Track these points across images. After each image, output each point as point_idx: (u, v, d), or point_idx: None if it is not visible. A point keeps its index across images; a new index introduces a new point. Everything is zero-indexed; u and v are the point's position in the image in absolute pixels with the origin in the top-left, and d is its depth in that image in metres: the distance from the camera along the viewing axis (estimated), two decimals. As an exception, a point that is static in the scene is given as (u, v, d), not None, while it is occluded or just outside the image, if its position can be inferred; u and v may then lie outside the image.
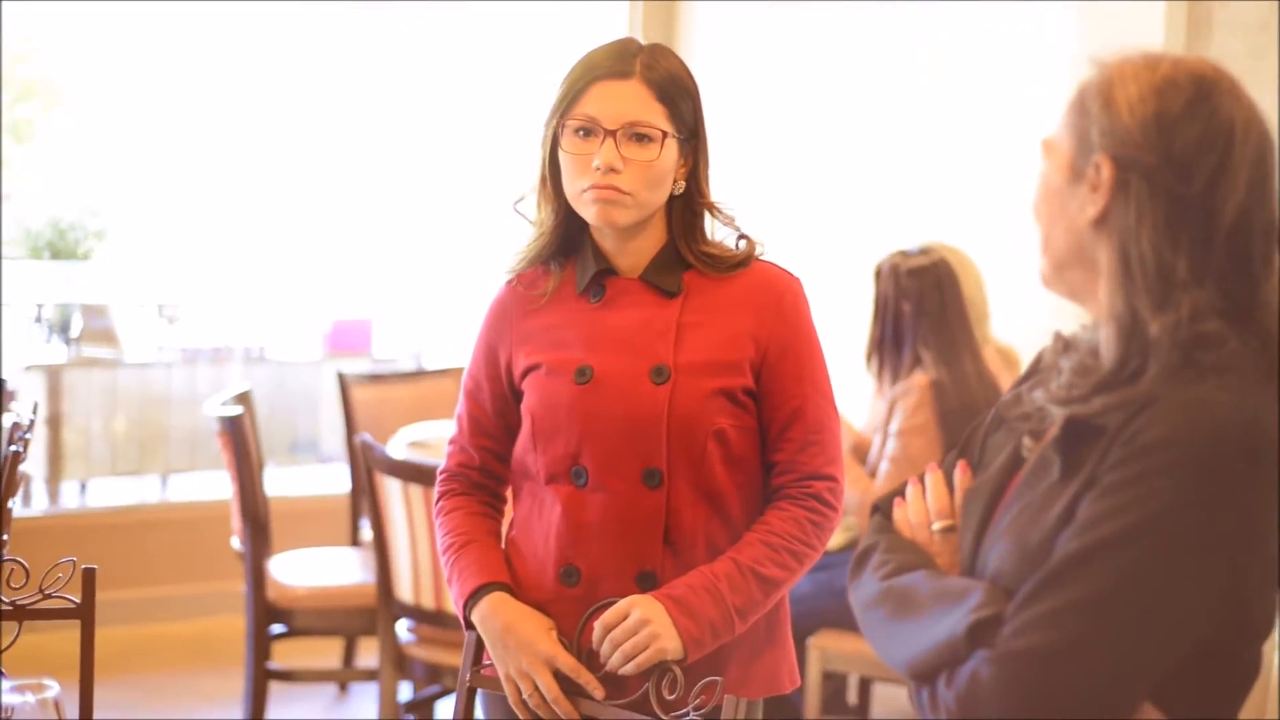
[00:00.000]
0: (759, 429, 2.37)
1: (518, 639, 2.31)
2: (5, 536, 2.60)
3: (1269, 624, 1.62)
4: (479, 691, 2.44)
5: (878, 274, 4.30)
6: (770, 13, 5.94)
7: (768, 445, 2.38)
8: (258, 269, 7.28)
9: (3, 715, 1.75)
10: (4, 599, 1.98)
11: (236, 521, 4.62)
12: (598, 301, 2.39)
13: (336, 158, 7.35)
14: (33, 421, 3.13)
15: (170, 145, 7.14)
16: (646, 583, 2.32)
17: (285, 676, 4.64)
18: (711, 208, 2.42)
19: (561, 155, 2.35)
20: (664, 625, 2.24)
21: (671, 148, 2.34)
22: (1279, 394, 1.56)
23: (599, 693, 2.28)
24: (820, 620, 4.23)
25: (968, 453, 1.83)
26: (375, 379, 5.73)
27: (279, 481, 6.46)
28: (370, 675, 4.65)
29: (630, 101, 2.31)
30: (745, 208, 2.47)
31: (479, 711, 2.47)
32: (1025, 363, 2.13)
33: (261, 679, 4.52)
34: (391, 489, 3.99)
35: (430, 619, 4.01)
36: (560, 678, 2.30)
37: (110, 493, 6.64)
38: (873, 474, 4.24)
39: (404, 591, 4.04)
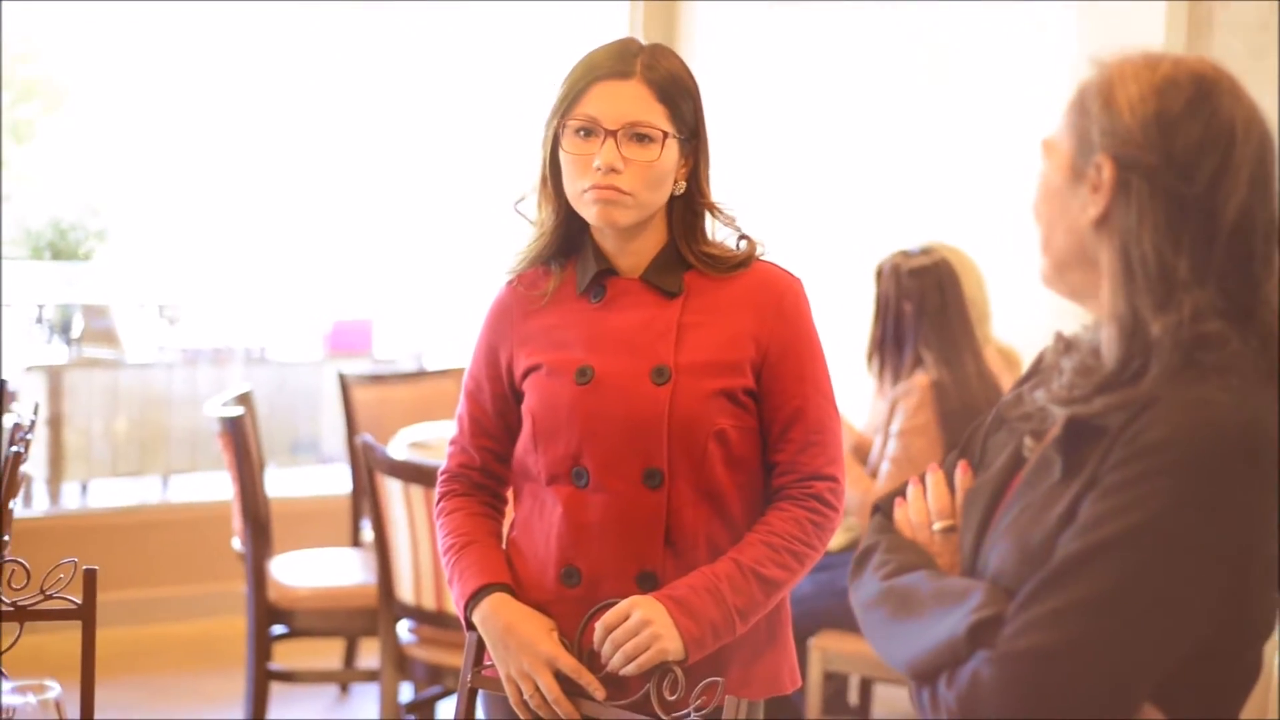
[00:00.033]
0: (760, 429, 2.37)
1: (519, 640, 2.31)
2: (6, 537, 2.60)
3: (1270, 624, 1.62)
4: (480, 692, 2.44)
5: (879, 274, 4.30)
6: (771, 13, 5.94)
7: (769, 446, 2.38)
8: (258, 269, 7.29)
9: (4, 716, 1.75)
10: (5, 600, 1.98)
11: (237, 522, 4.62)
12: (598, 302, 2.39)
13: (337, 158, 7.35)
14: (34, 422, 3.13)
15: (171, 146, 7.15)
16: (647, 583, 2.32)
17: (286, 677, 4.64)
18: (712, 208, 2.41)
19: (562, 155, 2.35)
20: (665, 626, 2.24)
21: (672, 148, 2.34)
22: (1279, 394, 1.56)
23: (600, 693, 2.28)
24: (821, 621, 4.23)
25: (969, 453, 1.82)
26: (376, 379, 5.73)
27: (280, 482, 6.46)
28: (371, 676, 4.65)
29: (631, 102, 2.31)
30: (746, 208, 2.47)
31: (480, 712, 2.47)
32: (1026, 363, 2.13)
33: (262, 680, 4.52)
34: (392, 489, 3.99)
35: (431, 620, 4.01)
36: (561, 678, 2.30)
37: (111, 493, 6.65)
38: (874, 474, 4.24)
39: (405, 592, 4.04)
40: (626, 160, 2.30)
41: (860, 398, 4.53)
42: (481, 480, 2.49)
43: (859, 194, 5.65)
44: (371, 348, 7.24)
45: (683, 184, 2.38)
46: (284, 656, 5.07)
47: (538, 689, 2.30)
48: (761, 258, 2.41)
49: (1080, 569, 1.52)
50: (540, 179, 2.40)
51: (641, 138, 2.31)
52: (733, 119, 5.78)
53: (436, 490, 2.52)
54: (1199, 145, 1.56)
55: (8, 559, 2.02)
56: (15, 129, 7.13)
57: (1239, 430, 1.52)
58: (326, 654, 5.53)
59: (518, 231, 2.47)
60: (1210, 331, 1.55)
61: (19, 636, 1.96)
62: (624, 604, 2.26)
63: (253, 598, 4.50)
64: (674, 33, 6.26)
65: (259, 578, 4.49)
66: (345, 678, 5.13)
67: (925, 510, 1.80)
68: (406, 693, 4.47)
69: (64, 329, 6.73)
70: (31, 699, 1.76)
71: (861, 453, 4.39)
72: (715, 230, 2.44)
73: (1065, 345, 1.71)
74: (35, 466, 6.29)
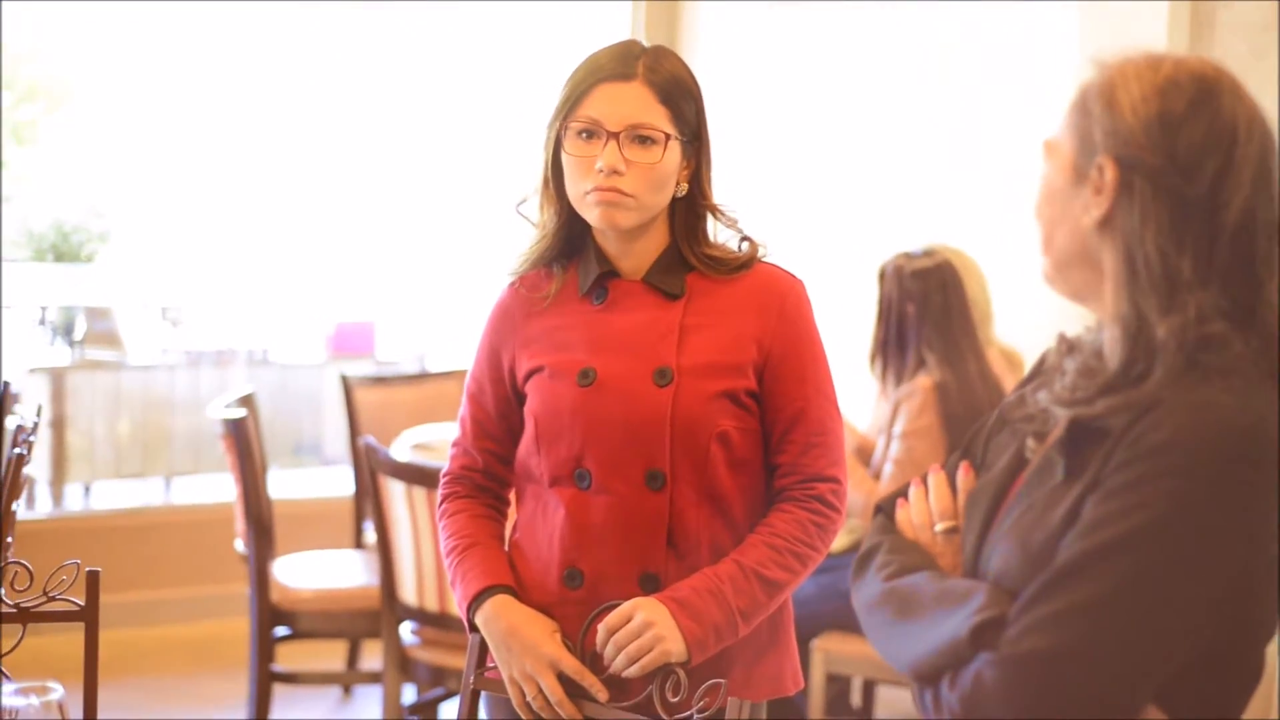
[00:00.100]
0: (762, 431, 2.37)
1: (521, 642, 2.31)
2: (9, 539, 2.60)
3: (1273, 626, 1.62)
4: (483, 694, 2.44)
5: (881, 276, 4.30)
6: (773, 14, 5.94)
7: (771, 447, 2.37)
8: (261, 271, 7.29)
9: (7, 717, 1.75)
10: (8, 601, 1.98)
11: (240, 524, 4.62)
12: (600, 304, 2.39)
13: (340, 161, 7.36)
14: (36, 424, 3.13)
15: (174, 147, 7.15)
16: (650, 585, 2.32)
17: (289, 679, 4.64)
18: (714, 210, 2.41)
19: (564, 157, 2.35)
20: (668, 628, 2.24)
21: (674, 150, 2.34)
22: (1280, 395, 1.56)
23: (603, 695, 2.28)
24: (824, 622, 4.23)
25: (971, 454, 1.82)
26: (379, 381, 5.73)
27: (282, 484, 6.46)
28: (374, 678, 4.66)
29: (633, 103, 2.31)
30: (748, 209, 2.47)
31: (483, 714, 2.47)
32: (1029, 364, 2.13)
33: (265, 681, 4.52)
34: (395, 491, 3.99)
35: (434, 621, 4.01)
36: (564, 680, 2.30)
37: (114, 495, 6.65)
38: (876, 476, 4.24)
39: (408, 594, 4.04)
40: (629, 162, 2.30)
41: (863, 399, 4.53)
42: (484, 482, 2.49)
43: (861, 195, 5.64)
44: (374, 349, 7.24)
45: (685, 186, 2.38)
46: (287, 658, 5.07)
47: (540, 691, 2.30)
48: (763, 259, 2.41)
49: (1083, 571, 1.52)
50: (542, 181, 2.40)
51: (643, 139, 2.31)
52: (735, 120, 5.78)
53: (439, 492, 2.52)
54: (1201, 146, 1.56)
55: (10, 561, 2.02)
56: (18, 130, 7.13)
57: (1242, 433, 1.52)
58: (329, 656, 5.53)
59: (520, 233, 2.47)
60: (1213, 333, 1.55)
61: (22, 638, 1.96)
62: (627, 606, 2.26)
63: (255, 599, 4.50)
64: (676, 34, 6.26)
65: (262, 579, 4.50)
66: (348, 679, 5.13)
67: (927, 511, 1.80)
68: (409, 694, 4.47)
69: (67, 331, 6.73)
70: (34, 700, 1.76)
71: (864, 454, 4.39)
72: (717, 232, 2.44)
73: (1068, 347, 1.71)
74: (38, 468, 6.30)
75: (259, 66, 7.21)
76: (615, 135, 2.30)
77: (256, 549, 4.50)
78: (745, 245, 2.42)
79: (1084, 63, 1.65)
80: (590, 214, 2.34)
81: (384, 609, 4.11)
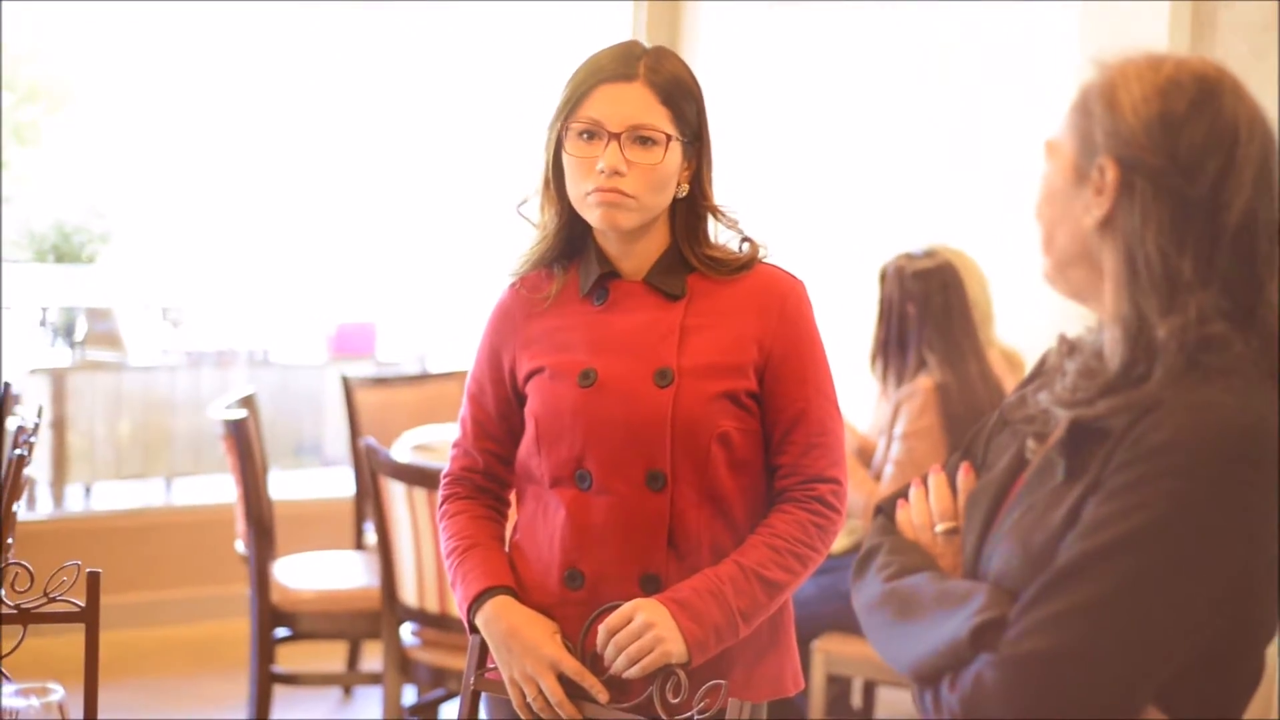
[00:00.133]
0: (763, 432, 2.37)
1: (522, 643, 2.31)
2: (10, 540, 2.60)
3: (1273, 627, 1.61)
4: (483, 695, 2.44)
5: (882, 276, 4.30)
6: (774, 15, 5.94)
7: (771, 448, 2.37)
8: (262, 272, 7.29)
9: (7, 718, 1.75)
10: (9, 602, 1.98)
11: (241, 525, 4.62)
12: (601, 304, 2.39)
13: (340, 161, 7.36)
14: (37, 425, 3.14)
15: (175, 148, 7.15)
16: (650, 586, 2.32)
17: (290, 680, 4.64)
18: (715, 210, 2.41)
19: (565, 158, 2.35)
20: (668, 629, 2.24)
21: (675, 151, 2.34)
22: (1280, 395, 1.56)
23: (603, 696, 2.28)
24: (825, 623, 4.23)
25: (971, 454, 1.82)
26: (379, 382, 5.73)
27: (283, 485, 6.46)
28: (374, 679, 4.66)
29: (634, 104, 2.31)
30: (749, 210, 2.47)
31: (483, 714, 2.47)
32: (1029, 365, 2.12)
33: (266, 682, 4.52)
34: (396, 492, 3.99)
35: (434, 622, 4.01)
36: (564, 681, 2.30)
37: (115, 496, 6.65)
38: (877, 477, 4.24)
39: (408, 595, 4.04)
40: (630, 163, 2.30)
41: (864, 400, 4.53)
42: (484, 483, 2.49)
43: (862, 196, 5.64)
44: (375, 350, 7.25)
45: (685, 186, 2.38)
46: (287, 659, 5.07)
47: (541, 692, 2.30)
48: (764, 260, 2.41)
49: (1084, 572, 1.52)
50: (543, 181, 2.40)
51: (645, 140, 2.31)
52: (736, 121, 5.78)
53: (439, 493, 2.52)
54: (1203, 146, 1.56)
55: (11, 561, 2.02)
56: (19, 131, 7.14)
57: (1242, 433, 1.51)
58: (330, 657, 5.53)
59: (520, 234, 2.47)
60: (1214, 334, 1.55)
61: (22, 639, 1.96)
62: (627, 606, 2.26)
63: (256, 600, 4.50)
64: (677, 34, 6.26)
65: (262, 580, 4.49)
66: (348, 680, 5.13)
67: (928, 512, 1.80)
68: (410, 695, 4.46)
69: (67, 332, 6.73)
70: (34, 702, 1.76)
71: (865, 455, 4.39)
72: (718, 233, 2.44)
73: (1069, 347, 1.71)
74: (39, 469, 6.29)
75: (260, 67, 7.21)
76: (616, 136, 2.30)
77: (257, 550, 4.50)
78: (746, 246, 2.42)
79: (1085, 63, 1.65)
80: (591, 215, 2.34)
81: (384, 610, 4.11)
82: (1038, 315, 3.81)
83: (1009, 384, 4.16)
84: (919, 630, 1.65)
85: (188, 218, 7.23)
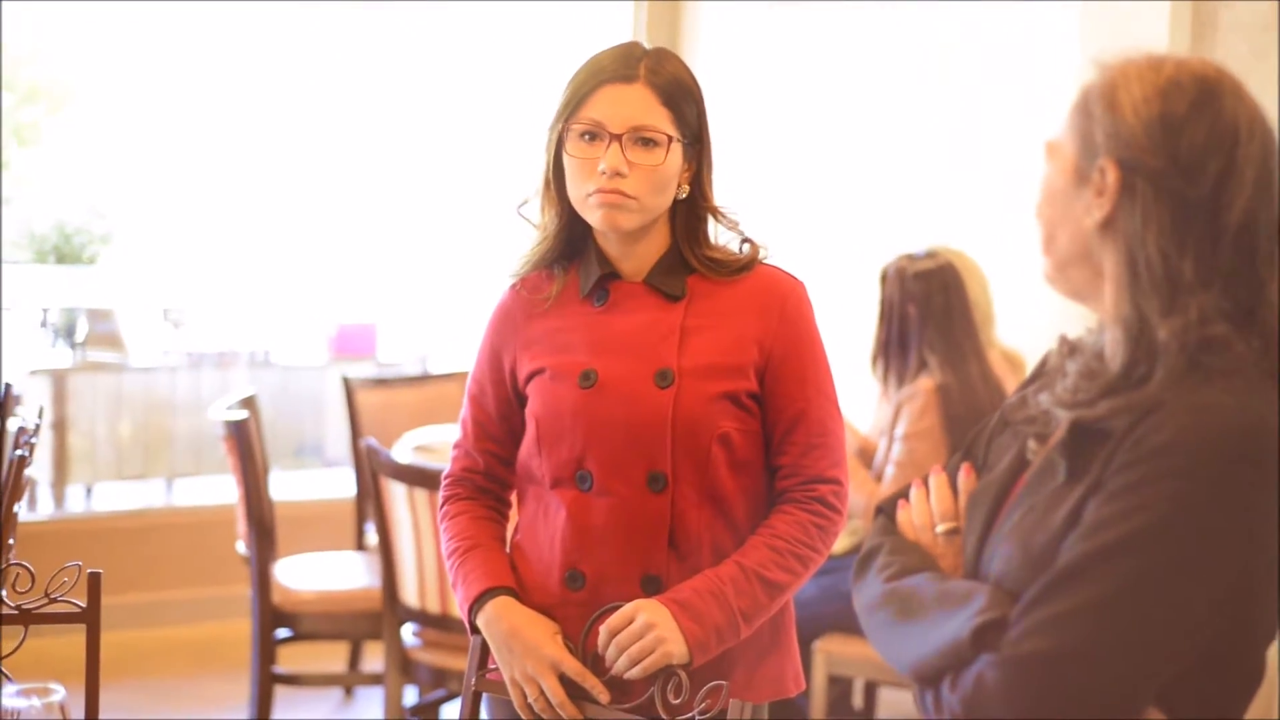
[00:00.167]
0: (763, 433, 2.37)
1: (523, 643, 2.31)
2: (11, 541, 2.60)
3: (1274, 628, 1.61)
4: (484, 695, 2.44)
5: (883, 277, 4.30)
6: (775, 15, 5.94)
7: (772, 449, 2.37)
8: (263, 273, 7.29)
9: (8, 719, 1.75)
10: (10, 603, 1.98)
11: (242, 526, 4.62)
12: (601, 305, 2.39)
13: (341, 162, 7.36)
14: (38, 426, 3.14)
15: (176, 149, 7.15)
16: (651, 587, 2.32)
17: (291, 680, 4.64)
18: (715, 211, 2.42)
19: (566, 159, 2.35)
20: (669, 629, 2.24)
21: (676, 152, 2.34)
22: (1280, 395, 1.56)
23: (604, 697, 2.28)
24: (826, 624, 4.23)
25: (972, 455, 1.82)
26: (380, 383, 5.73)
27: (284, 486, 6.46)
28: (376, 679, 4.65)
29: (636, 105, 2.31)
30: (749, 211, 2.47)
31: (484, 715, 2.47)
32: (1030, 366, 2.12)
33: (267, 683, 4.52)
34: (396, 493, 3.99)
35: (435, 623, 4.01)
36: (565, 682, 2.30)
37: (115, 497, 6.65)
38: (878, 478, 4.24)
39: (409, 595, 4.04)
40: (631, 164, 2.30)
41: (864, 401, 4.53)
42: (485, 484, 2.49)
43: (863, 197, 5.64)
44: (376, 351, 7.24)
45: (686, 188, 2.38)
46: (288, 660, 5.07)
47: (542, 692, 2.30)
48: (764, 261, 2.41)
49: (1085, 573, 1.52)
50: (543, 182, 2.40)
51: (646, 142, 2.31)
52: (736, 122, 5.78)
53: (440, 494, 2.52)
54: (1204, 147, 1.56)
55: (12, 562, 2.02)
56: (19, 132, 7.14)
57: (1243, 433, 1.52)
58: (331, 657, 5.53)
59: (521, 235, 2.47)
60: (1215, 334, 1.55)
61: (23, 639, 1.97)
62: (628, 607, 2.26)
63: (257, 601, 4.50)
64: (677, 35, 6.26)
65: (263, 581, 4.50)
66: (350, 681, 5.12)
67: (928, 512, 1.80)
68: (411, 696, 4.46)
69: (68, 333, 6.73)
70: (36, 702, 1.76)
71: (866, 456, 4.39)
72: (718, 234, 2.44)
73: (1069, 348, 1.71)
74: (40, 470, 6.30)
75: (261, 68, 7.21)
76: (618, 137, 2.30)
77: (258, 551, 4.50)
78: (746, 247, 2.42)
79: (1085, 63, 1.65)
80: (592, 216, 2.34)
81: (385, 611, 4.11)
82: (1038, 316, 3.81)
83: (1010, 385, 4.16)
84: (920, 630, 1.65)
85: (188, 219, 7.23)
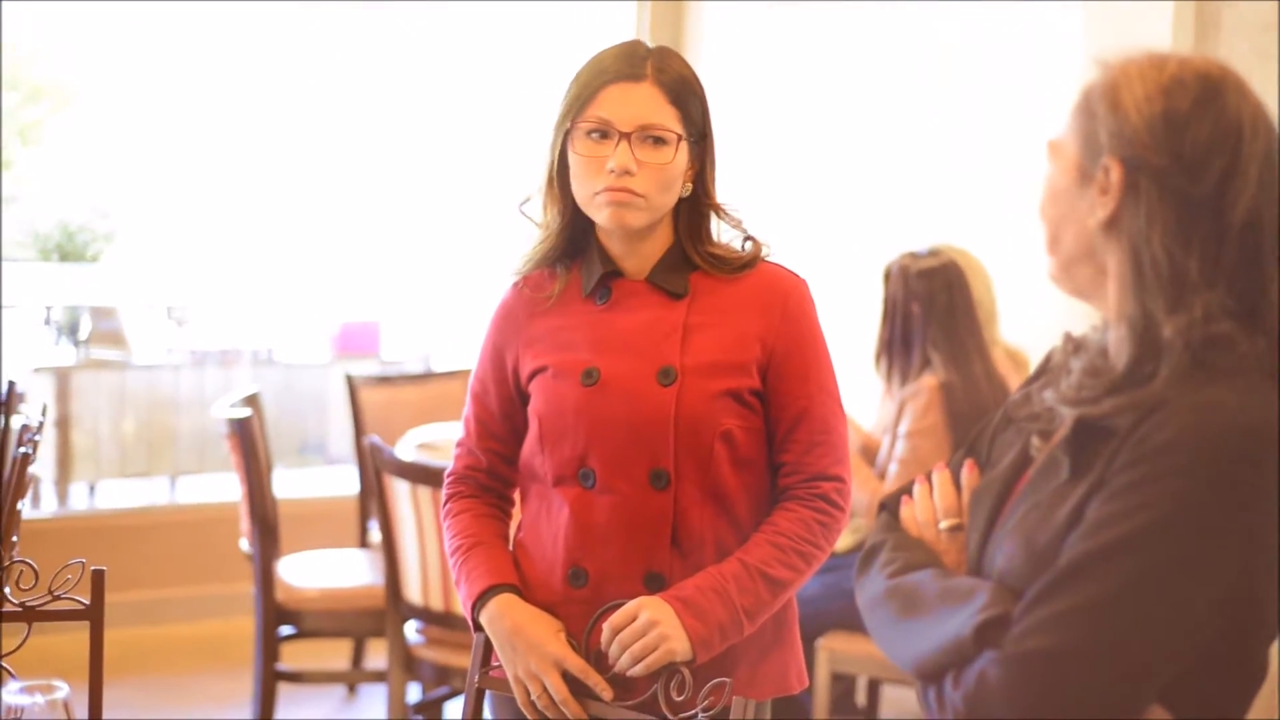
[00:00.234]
0: (766, 430, 2.37)
1: (526, 640, 2.31)
2: (15, 538, 2.60)
3: (1275, 627, 1.61)
4: (487, 693, 2.44)
5: (887, 275, 4.30)
6: (775, 15, 5.94)
7: (774, 446, 2.38)
8: (266, 271, 7.30)
9: (12, 716, 1.75)
10: (13, 600, 1.98)
11: (245, 523, 4.63)
12: (604, 304, 2.39)
13: (344, 160, 7.36)
14: (41, 424, 3.14)
15: (179, 148, 7.16)
16: (654, 584, 2.32)
17: (294, 678, 4.64)
18: (718, 209, 2.42)
19: (573, 158, 2.34)
20: (672, 627, 2.24)
21: (683, 150, 2.34)
22: (1281, 394, 1.56)
23: (607, 694, 2.28)
24: (829, 621, 4.23)
25: (976, 452, 1.82)
26: (383, 381, 5.73)
27: (287, 483, 6.46)
28: (379, 677, 4.66)
29: (644, 104, 2.31)
30: (752, 209, 2.47)
31: (487, 713, 2.47)
32: (1034, 364, 2.12)
33: (270, 680, 4.52)
34: (400, 491, 4.00)
35: (439, 620, 4.02)
36: (569, 679, 2.30)
37: (119, 494, 6.65)
38: (881, 476, 4.24)
39: (412, 593, 4.04)
40: (640, 163, 2.30)
41: (868, 399, 4.53)
42: (488, 482, 2.49)
43: (866, 195, 5.64)
44: (379, 349, 7.25)
45: (689, 185, 2.38)
46: (292, 657, 5.07)
47: (545, 690, 2.30)
48: (767, 259, 2.42)
49: (1087, 571, 1.52)
50: (546, 181, 2.40)
51: (656, 140, 2.31)
52: (739, 121, 5.78)
53: (443, 492, 2.53)
54: (1207, 144, 1.56)
55: (16, 560, 2.02)
56: (23, 131, 7.14)
57: (1244, 433, 1.51)
58: (334, 655, 5.53)
59: (523, 234, 2.47)
60: (1220, 333, 1.55)
61: (27, 637, 1.97)
62: (631, 605, 2.26)
63: (260, 599, 4.50)
64: (680, 34, 6.26)
65: (267, 579, 4.50)
66: (353, 678, 5.13)
67: (931, 509, 1.80)
68: (414, 693, 4.47)
69: (72, 331, 6.74)
70: (39, 699, 1.76)
71: (869, 454, 4.39)
72: (720, 231, 2.44)
73: (1074, 346, 1.71)
74: (43, 468, 6.30)
75: (264, 66, 7.21)
76: (627, 136, 2.30)
77: (261, 548, 4.50)
78: (749, 245, 2.42)
79: (1087, 63, 1.65)
80: (600, 214, 2.34)
81: (389, 608, 4.11)
82: (1041, 314, 3.81)
83: (1013, 383, 4.16)
84: (923, 627, 1.65)
85: (192, 217, 7.24)
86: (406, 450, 4.67)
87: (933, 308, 4.18)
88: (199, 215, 7.24)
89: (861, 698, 4.88)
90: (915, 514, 1.81)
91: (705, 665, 2.26)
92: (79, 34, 7.04)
